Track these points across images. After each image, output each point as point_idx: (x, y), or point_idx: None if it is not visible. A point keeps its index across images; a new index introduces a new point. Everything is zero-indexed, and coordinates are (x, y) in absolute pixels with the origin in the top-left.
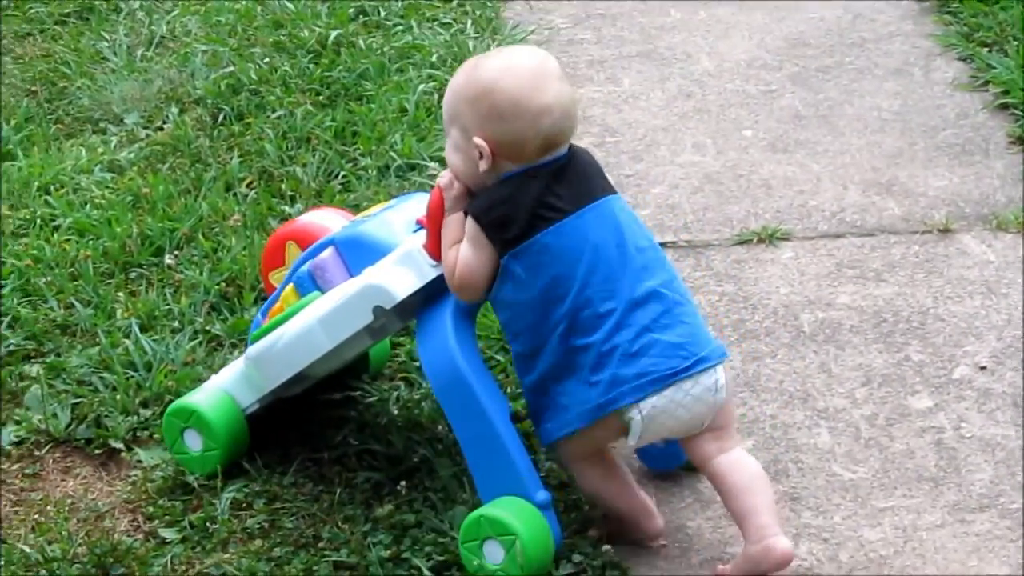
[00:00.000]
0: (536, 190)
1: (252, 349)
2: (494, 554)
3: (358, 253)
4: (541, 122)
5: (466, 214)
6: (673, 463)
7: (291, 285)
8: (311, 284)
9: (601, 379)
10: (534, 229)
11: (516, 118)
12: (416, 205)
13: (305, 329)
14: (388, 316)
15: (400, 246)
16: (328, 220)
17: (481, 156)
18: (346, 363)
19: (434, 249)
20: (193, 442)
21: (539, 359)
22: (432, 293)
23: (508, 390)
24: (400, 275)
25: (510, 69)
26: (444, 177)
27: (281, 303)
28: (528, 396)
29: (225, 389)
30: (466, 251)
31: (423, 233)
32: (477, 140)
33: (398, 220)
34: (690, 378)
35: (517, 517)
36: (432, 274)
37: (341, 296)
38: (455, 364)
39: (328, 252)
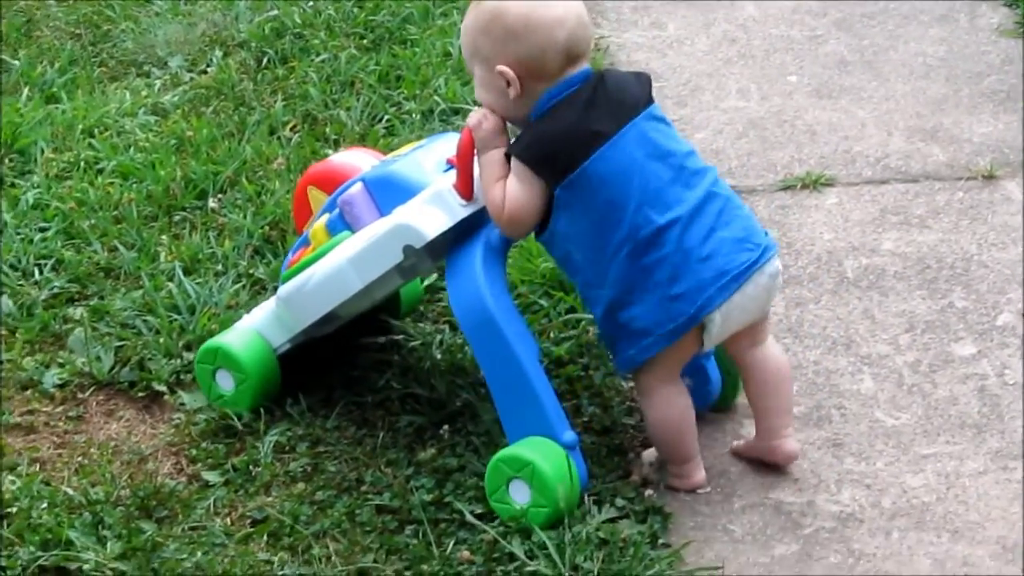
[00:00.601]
0: (573, 118)
1: (282, 289)
2: (520, 493)
3: (388, 192)
4: (557, 33)
5: (508, 156)
6: (701, 404)
7: (321, 224)
8: (341, 224)
9: (684, 290)
10: (580, 158)
11: (531, 33)
12: (446, 145)
13: (335, 269)
14: (418, 255)
15: (430, 185)
16: (358, 160)
17: (508, 84)
18: (376, 303)
19: (464, 189)
20: (225, 382)
21: (605, 287)
22: (462, 233)
23: (551, 334)
24: (430, 214)
25: (548, 4)
26: (473, 117)
27: (311, 243)
28: (601, 328)
29: (256, 329)
30: (514, 187)
31: (453, 173)
32: (500, 68)
33: (428, 160)
34: (759, 269)
35: (532, 449)
36: (462, 213)
37: (371, 236)
38: (484, 304)
39: (357, 188)
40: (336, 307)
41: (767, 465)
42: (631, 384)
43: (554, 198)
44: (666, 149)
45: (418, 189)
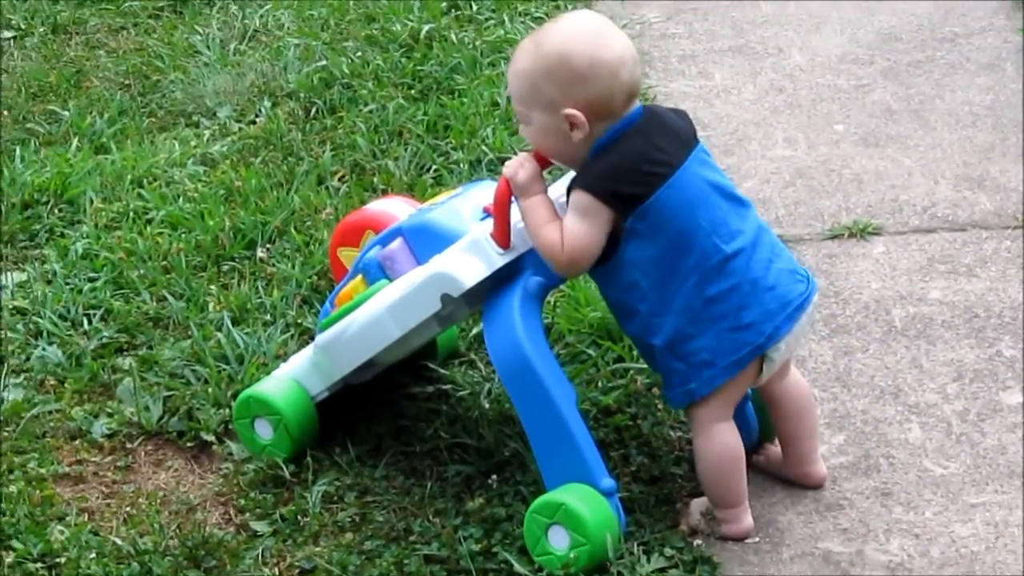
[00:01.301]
0: (642, 148)
1: (321, 337)
2: (559, 538)
3: (426, 241)
4: (621, 73)
5: (569, 190)
6: (745, 443)
7: (360, 275)
8: (379, 272)
9: (752, 320)
10: (654, 186)
11: (598, 75)
12: (483, 193)
13: (374, 317)
14: (456, 304)
15: (467, 234)
16: (396, 208)
17: (573, 126)
18: (414, 350)
19: (501, 237)
20: (263, 430)
21: (670, 315)
22: (499, 280)
23: (599, 383)
24: (468, 263)
25: (574, 33)
26: (509, 167)
27: (350, 291)
28: (660, 360)
29: (294, 377)
30: (577, 225)
31: (490, 221)
32: (568, 111)
33: (465, 208)
34: (811, 301)
35: (565, 492)
36: (500, 262)
37: (409, 284)
38: (522, 350)
39: (397, 243)
40: (374, 355)
41: (817, 514)
42: (679, 434)
43: (624, 230)
44: (718, 181)
45: (455, 237)
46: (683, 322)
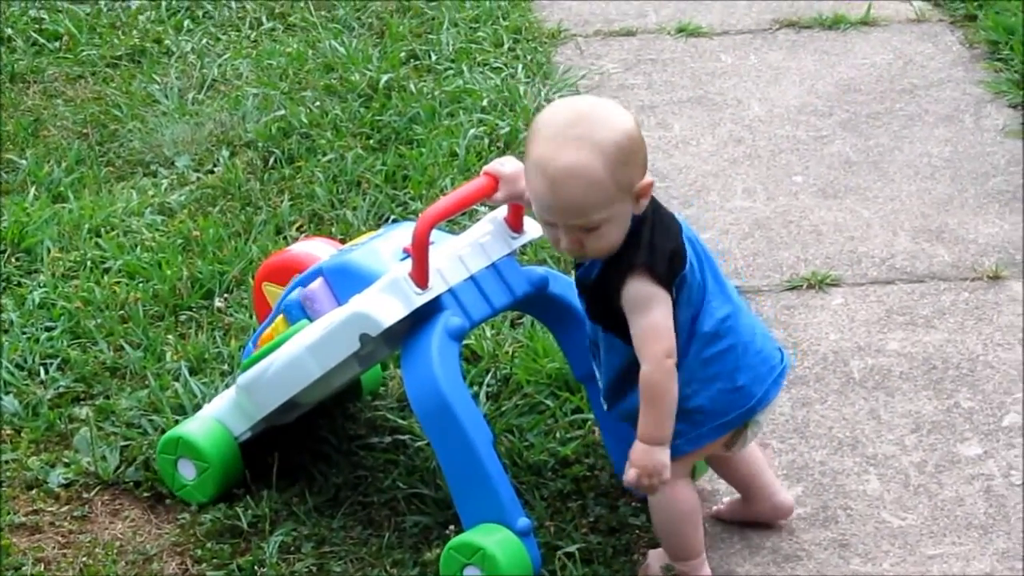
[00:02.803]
0: (668, 217)
1: (242, 377)
2: None
3: (346, 281)
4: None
5: (620, 281)
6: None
7: (281, 314)
8: (300, 312)
9: (745, 382)
10: (685, 255)
11: (641, 141)
12: (403, 234)
13: (294, 357)
14: (375, 343)
15: (386, 274)
16: (318, 249)
17: (641, 197)
18: (337, 390)
19: (420, 277)
20: (187, 471)
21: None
22: (418, 320)
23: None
24: (386, 303)
25: (609, 110)
26: (639, 480)
27: (271, 331)
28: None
29: (217, 417)
30: (650, 320)
31: (409, 261)
32: (643, 182)
33: (385, 248)
34: (787, 368)
35: (483, 535)
36: (418, 302)
37: (329, 324)
38: (439, 391)
39: (317, 283)
40: (296, 394)
41: (775, 565)
42: None
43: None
44: (697, 247)
45: (375, 277)
46: (683, 382)
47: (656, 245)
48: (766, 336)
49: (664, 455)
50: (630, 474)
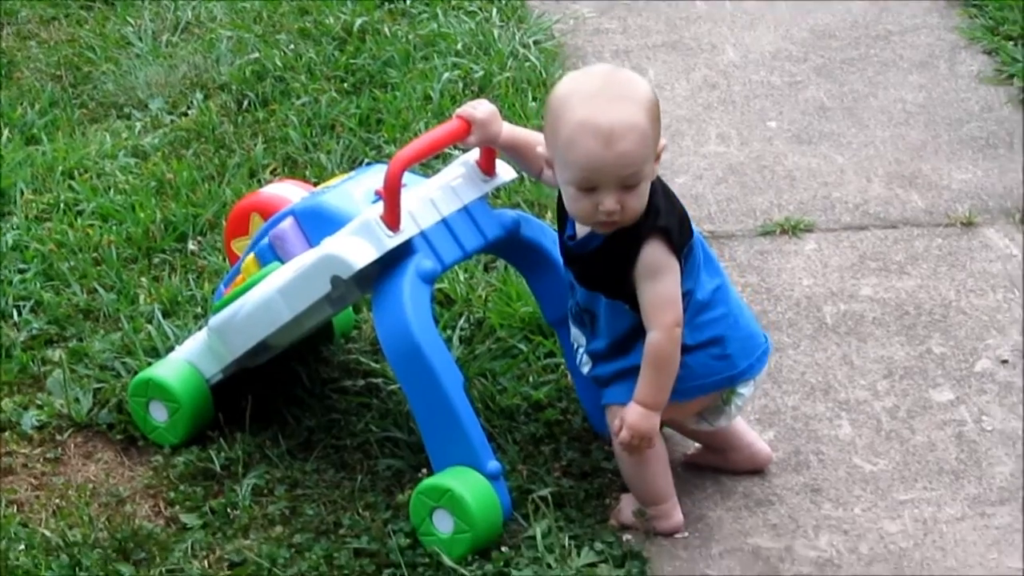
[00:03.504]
0: (665, 186)
1: (214, 319)
2: (444, 522)
3: (317, 223)
4: None
5: (638, 246)
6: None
7: (252, 256)
8: (272, 255)
9: (732, 352)
10: (692, 229)
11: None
12: (375, 176)
13: (265, 299)
14: (346, 286)
15: (358, 216)
16: (290, 192)
17: (658, 157)
18: (308, 332)
19: (391, 220)
20: (159, 413)
21: None
22: (389, 263)
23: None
24: (358, 245)
25: (636, 75)
26: (623, 436)
27: (242, 274)
28: (628, 361)
29: (189, 360)
30: (661, 290)
31: (381, 204)
32: (663, 143)
33: (357, 191)
34: (769, 351)
35: (451, 477)
36: (389, 244)
37: (300, 266)
38: (410, 334)
39: (288, 222)
40: (267, 337)
41: (747, 510)
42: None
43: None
44: None
45: (347, 220)
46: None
47: (670, 211)
48: (751, 316)
49: (657, 420)
50: (623, 435)
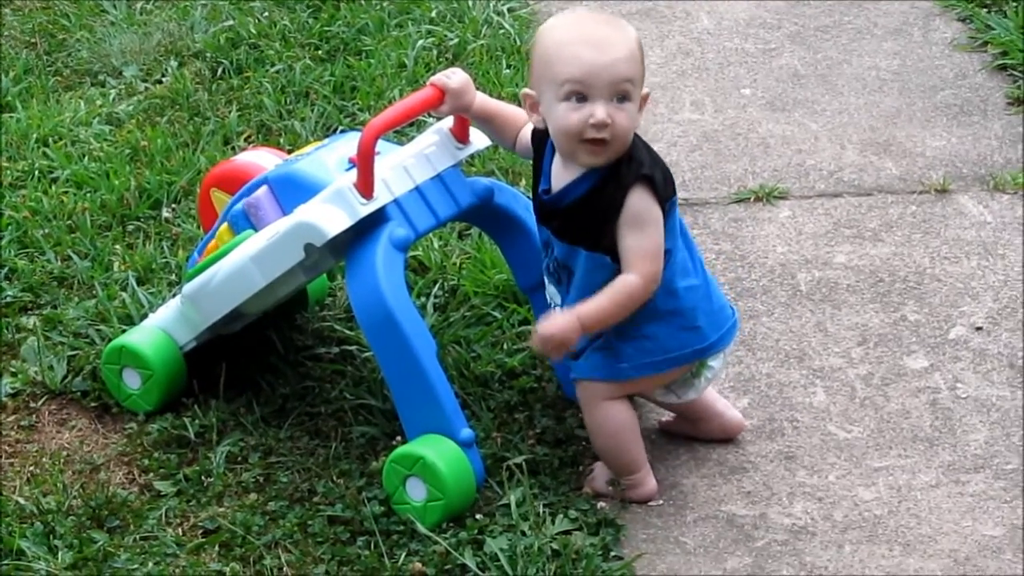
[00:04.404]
0: (647, 144)
1: (187, 287)
2: (417, 490)
3: (291, 191)
4: None
5: (623, 195)
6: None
7: (226, 223)
8: (245, 222)
9: (702, 324)
10: (674, 184)
11: None
12: (349, 144)
13: (239, 266)
14: (320, 253)
15: (332, 184)
16: (264, 159)
17: (642, 106)
18: (282, 300)
19: (365, 187)
20: (132, 380)
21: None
22: (363, 230)
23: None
24: (331, 213)
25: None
26: (549, 338)
27: (216, 241)
28: (607, 334)
29: (163, 327)
30: (644, 241)
31: (355, 172)
32: (646, 91)
33: (331, 159)
34: (738, 325)
35: (424, 445)
36: (363, 212)
37: (273, 234)
38: (383, 301)
39: (262, 191)
40: (240, 304)
41: (720, 477)
42: None
43: None
44: None
45: (320, 187)
46: (647, 309)
47: (653, 163)
48: (719, 290)
49: (577, 338)
50: (541, 337)
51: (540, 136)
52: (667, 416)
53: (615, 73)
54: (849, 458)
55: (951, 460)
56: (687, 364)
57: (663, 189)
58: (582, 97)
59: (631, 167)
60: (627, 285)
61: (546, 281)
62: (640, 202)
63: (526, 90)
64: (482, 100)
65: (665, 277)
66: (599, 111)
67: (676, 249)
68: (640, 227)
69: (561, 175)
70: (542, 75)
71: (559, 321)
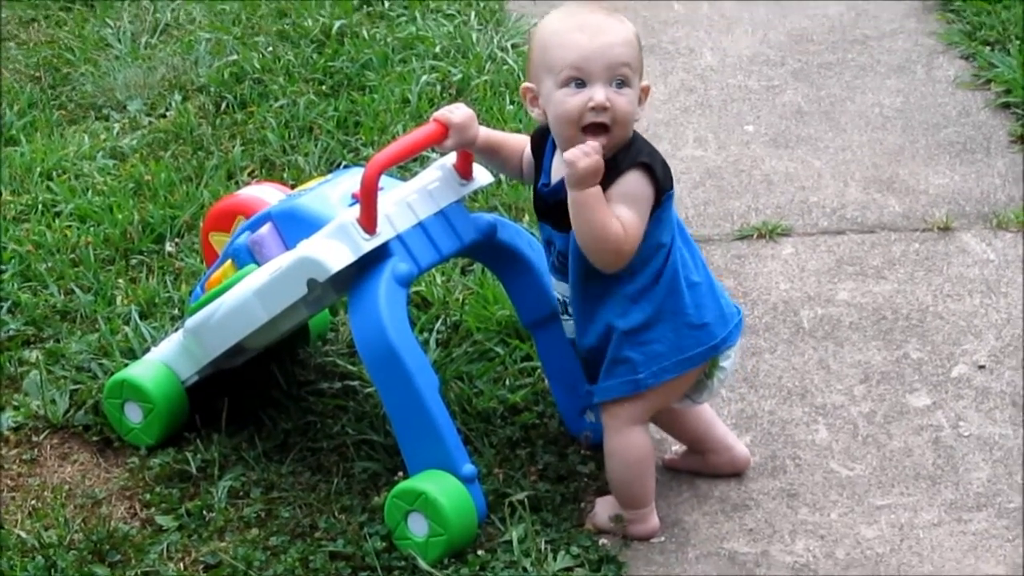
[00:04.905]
0: (644, 141)
1: (190, 321)
2: (418, 525)
3: (294, 226)
4: None
5: (604, 178)
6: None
7: (229, 262)
8: (248, 257)
9: (709, 320)
10: (672, 177)
11: None
12: (352, 180)
13: (242, 301)
14: (323, 288)
15: (334, 219)
16: (267, 194)
17: (642, 99)
18: (284, 335)
19: (368, 223)
20: (134, 414)
21: (647, 302)
22: (366, 266)
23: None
24: (334, 248)
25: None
26: (572, 153)
27: (220, 275)
28: (610, 349)
29: (164, 361)
30: (634, 217)
31: (358, 207)
32: (646, 83)
33: (334, 194)
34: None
35: (425, 480)
36: (366, 247)
37: (276, 269)
38: (386, 337)
39: (266, 228)
40: (243, 338)
41: (723, 514)
42: (587, 433)
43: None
44: None
45: (323, 222)
46: (653, 310)
47: (652, 154)
48: (723, 290)
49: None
50: (568, 160)
51: (539, 136)
52: (671, 453)
53: (612, 56)
54: (851, 496)
55: (953, 498)
56: (701, 363)
57: (662, 178)
58: (580, 83)
59: (629, 154)
60: (615, 227)
61: (554, 279)
62: (635, 181)
63: (525, 84)
64: (486, 133)
65: (667, 275)
66: (598, 93)
67: (674, 246)
68: (628, 203)
69: (560, 168)
70: (540, 65)
71: (577, 151)
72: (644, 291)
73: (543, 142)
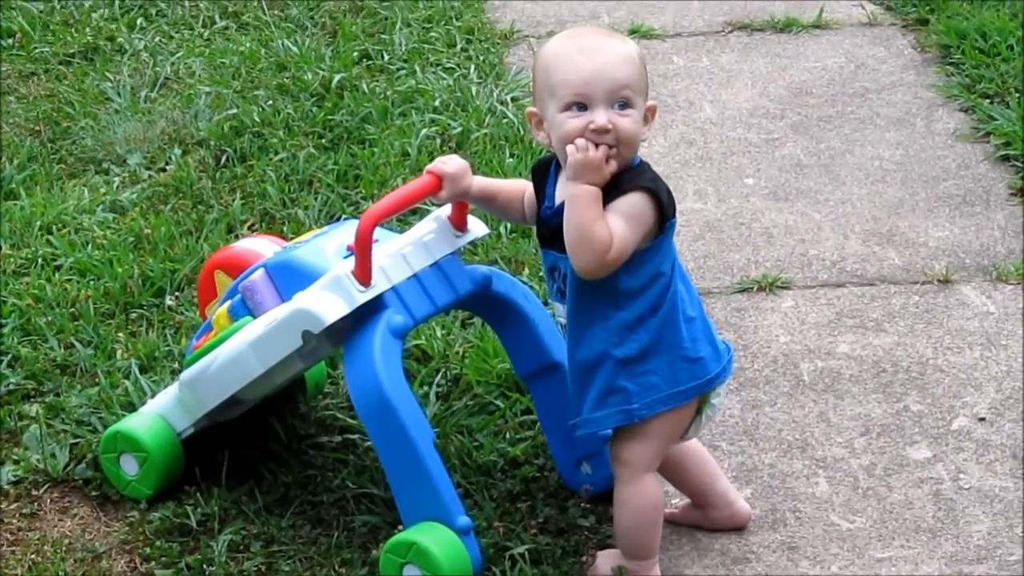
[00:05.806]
0: (650, 169)
1: (185, 373)
2: None
3: (289, 278)
4: None
5: (605, 194)
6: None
7: (224, 310)
8: (244, 309)
9: (703, 355)
10: (674, 207)
11: None
12: (347, 232)
13: (237, 353)
14: (318, 340)
15: (330, 271)
16: (261, 247)
17: (648, 120)
18: (280, 387)
19: (363, 275)
20: (129, 466)
21: (644, 331)
22: (361, 317)
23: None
24: (329, 300)
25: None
26: (578, 143)
27: (214, 328)
28: (603, 377)
29: (160, 413)
30: (625, 230)
31: (353, 259)
32: (652, 103)
33: (329, 246)
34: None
35: (418, 532)
36: (360, 299)
37: (271, 321)
38: (381, 388)
39: (258, 273)
40: (238, 390)
41: (723, 567)
42: (587, 486)
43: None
44: None
45: (319, 274)
46: (650, 340)
47: (656, 179)
48: (714, 327)
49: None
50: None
51: (541, 166)
52: (671, 507)
53: (612, 78)
54: (852, 549)
55: (954, 551)
56: (695, 397)
57: (666, 204)
58: (582, 106)
59: (634, 177)
60: (603, 231)
61: (555, 303)
62: (635, 201)
63: (530, 108)
64: (481, 182)
65: (666, 306)
66: (599, 117)
67: (673, 279)
68: (625, 218)
69: (563, 192)
70: (543, 89)
71: (583, 142)
72: (641, 320)
73: (545, 171)
